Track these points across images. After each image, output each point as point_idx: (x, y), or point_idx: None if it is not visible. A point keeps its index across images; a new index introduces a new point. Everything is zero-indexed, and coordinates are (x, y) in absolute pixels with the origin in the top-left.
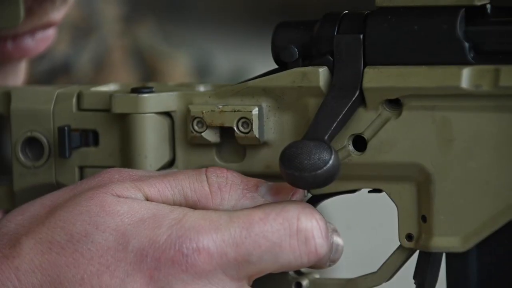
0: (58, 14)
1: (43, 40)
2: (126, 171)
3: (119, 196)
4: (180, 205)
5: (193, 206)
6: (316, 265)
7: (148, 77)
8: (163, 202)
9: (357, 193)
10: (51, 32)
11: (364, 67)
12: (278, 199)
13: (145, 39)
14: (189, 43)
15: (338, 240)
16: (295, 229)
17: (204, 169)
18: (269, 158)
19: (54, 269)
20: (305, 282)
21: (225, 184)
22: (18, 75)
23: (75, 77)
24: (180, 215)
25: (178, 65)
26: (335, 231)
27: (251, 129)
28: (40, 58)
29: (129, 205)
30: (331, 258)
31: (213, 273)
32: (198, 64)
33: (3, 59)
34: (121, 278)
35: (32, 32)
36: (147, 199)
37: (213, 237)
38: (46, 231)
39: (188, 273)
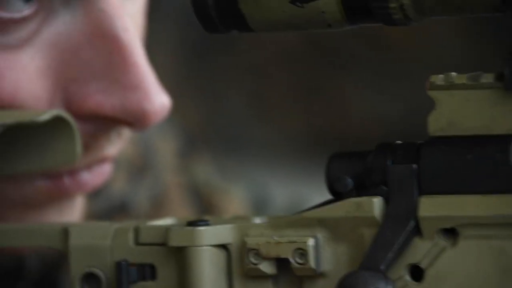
0: (113, 148)
1: (100, 174)
2: None
3: None
4: None
5: None
6: None
7: (204, 212)
8: None
9: None
10: (107, 167)
11: (419, 197)
12: None
13: (201, 174)
14: (245, 176)
15: None
16: None
17: None
18: None
19: None
20: None
21: None
22: (74, 210)
23: (132, 215)
24: None
25: (234, 199)
26: None
27: (307, 260)
28: (96, 195)
29: None
30: None
31: None
32: (255, 198)
33: (59, 194)
34: None
35: (89, 166)
36: None
37: None
38: None
39: None
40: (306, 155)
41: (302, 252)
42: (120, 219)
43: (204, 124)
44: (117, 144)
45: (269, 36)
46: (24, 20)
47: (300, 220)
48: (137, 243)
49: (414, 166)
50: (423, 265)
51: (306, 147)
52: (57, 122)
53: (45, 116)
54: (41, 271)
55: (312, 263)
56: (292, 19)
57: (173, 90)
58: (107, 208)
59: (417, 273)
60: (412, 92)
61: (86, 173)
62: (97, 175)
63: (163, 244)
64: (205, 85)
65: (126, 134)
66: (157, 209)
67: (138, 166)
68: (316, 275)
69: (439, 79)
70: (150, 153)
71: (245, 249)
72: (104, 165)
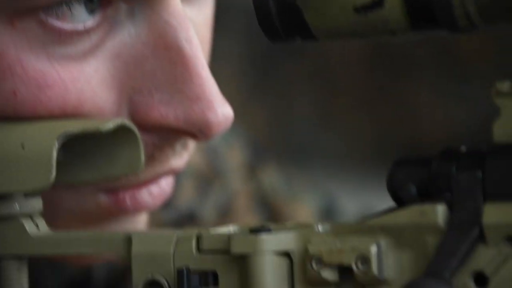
0: (180, 160)
1: (159, 196)
2: None
3: None
4: None
5: None
6: None
7: (272, 221)
8: None
9: None
10: (167, 186)
11: (483, 204)
12: None
13: (269, 184)
14: (312, 186)
15: None
16: None
17: None
18: None
19: None
20: None
21: None
22: (137, 225)
23: (200, 224)
24: None
25: (302, 209)
26: None
27: (370, 267)
28: (165, 207)
29: None
30: None
31: None
32: (323, 207)
33: (120, 212)
34: None
35: (153, 181)
36: None
37: None
38: None
39: None
40: (374, 163)
41: (364, 259)
42: (186, 228)
43: (271, 133)
44: (183, 156)
45: (335, 43)
46: (87, 31)
47: (363, 227)
48: (200, 250)
49: (479, 173)
50: (487, 272)
51: (374, 155)
52: (121, 131)
53: (109, 125)
54: (108, 282)
55: (375, 270)
56: (356, 27)
57: (240, 100)
58: (175, 218)
59: (481, 280)
60: (482, 95)
61: (147, 194)
62: (157, 196)
63: (225, 252)
64: (271, 93)
65: (191, 145)
66: (224, 218)
67: (206, 176)
68: (379, 282)
69: (505, 86)
70: (218, 162)
71: (307, 256)
72: (165, 185)
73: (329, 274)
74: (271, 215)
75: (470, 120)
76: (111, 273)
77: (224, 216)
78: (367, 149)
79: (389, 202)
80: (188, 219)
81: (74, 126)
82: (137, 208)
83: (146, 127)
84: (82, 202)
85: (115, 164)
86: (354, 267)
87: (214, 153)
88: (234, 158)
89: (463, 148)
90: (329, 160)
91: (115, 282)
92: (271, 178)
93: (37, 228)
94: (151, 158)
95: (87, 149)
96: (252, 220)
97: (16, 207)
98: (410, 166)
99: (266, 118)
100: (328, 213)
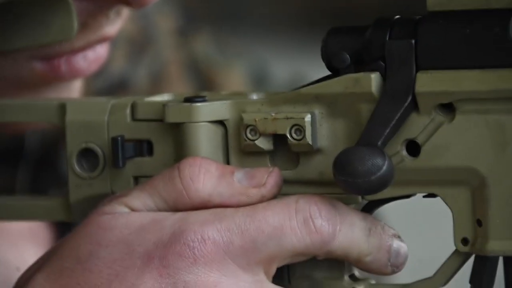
0: (112, 28)
1: (95, 61)
2: (115, 194)
3: (110, 214)
4: (164, 209)
5: (174, 205)
6: (372, 269)
7: (204, 88)
8: (148, 211)
9: (411, 198)
10: (103, 52)
11: (416, 72)
12: (255, 182)
13: (201, 50)
14: (244, 52)
15: (399, 244)
16: (293, 211)
17: (177, 164)
18: (322, 165)
19: None
20: None
21: (198, 174)
22: (72, 91)
23: (132, 92)
24: (182, 215)
25: (234, 76)
26: (395, 236)
27: (304, 136)
28: (96, 75)
29: (125, 217)
30: (392, 262)
31: (223, 263)
32: (254, 74)
33: (55, 79)
34: (132, 282)
35: (87, 47)
36: None
37: (218, 227)
38: (55, 262)
39: (198, 265)
40: (306, 31)
41: (299, 128)
42: (120, 96)
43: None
44: (116, 23)
45: None
46: None
47: (297, 96)
48: (134, 119)
49: (412, 41)
50: (419, 140)
51: (307, 23)
52: None
53: None
54: (40, 150)
55: (309, 139)
56: None
57: None
58: (107, 86)
59: (413, 148)
60: None
61: (82, 60)
62: (92, 62)
63: (160, 120)
64: None
65: (125, 13)
66: (157, 86)
67: (138, 43)
68: (313, 151)
69: None
70: (150, 30)
71: (242, 125)
72: (100, 50)
73: (263, 143)
74: (204, 83)
75: None
76: (44, 141)
77: (156, 84)
78: (301, 17)
79: (320, 68)
80: (119, 87)
81: None
82: (72, 74)
83: None
84: (17, 69)
85: (47, 31)
86: (288, 136)
87: (146, 21)
88: (167, 25)
89: (397, 17)
90: (261, 26)
91: (48, 150)
92: (204, 46)
93: None
94: (84, 25)
95: (19, 16)
96: (185, 88)
97: None
98: (344, 34)
99: None
100: (260, 81)
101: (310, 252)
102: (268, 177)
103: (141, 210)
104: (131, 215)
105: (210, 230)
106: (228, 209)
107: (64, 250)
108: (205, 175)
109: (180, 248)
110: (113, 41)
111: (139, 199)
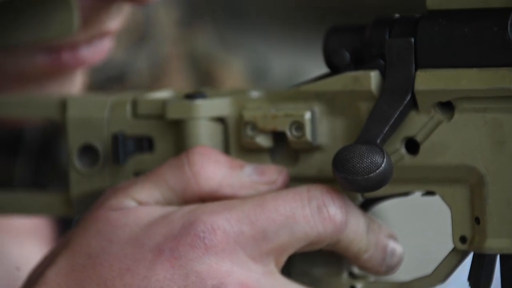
0: (114, 23)
1: (100, 50)
2: (119, 185)
3: (119, 210)
4: (171, 198)
5: (182, 194)
6: (368, 267)
7: (204, 82)
8: (155, 203)
9: (410, 196)
10: (107, 42)
11: (415, 70)
12: (265, 179)
13: (201, 44)
14: (244, 47)
15: (394, 245)
16: (306, 200)
17: (183, 153)
18: (322, 162)
19: (79, 283)
20: (359, 286)
21: (208, 162)
22: (74, 84)
23: (131, 85)
24: (190, 208)
25: (234, 70)
26: (391, 236)
27: (304, 133)
28: (97, 68)
29: (134, 214)
30: (387, 262)
31: (234, 253)
32: (254, 69)
33: (59, 69)
34: (143, 275)
35: (89, 41)
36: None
37: (227, 217)
38: (66, 258)
39: (209, 254)
40: (307, 27)
41: (298, 125)
42: (119, 89)
43: None
44: (118, 19)
45: None
46: None
47: (297, 93)
48: (135, 115)
49: (412, 39)
50: (418, 138)
51: (307, 19)
52: None
53: None
54: (40, 144)
55: (308, 136)
56: None
57: None
58: (106, 78)
59: (412, 146)
60: None
61: (86, 50)
62: (97, 51)
63: (160, 117)
64: None
65: (126, 9)
66: (156, 80)
67: (137, 36)
68: (313, 148)
69: None
70: (150, 23)
71: (242, 122)
72: (105, 41)
73: (263, 140)
74: (203, 77)
75: None
76: (43, 132)
77: (156, 78)
78: (301, 13)
79: (318, 64)
80: (119, 80)
81: None
82: (76, 62)
83: None
84: (19, 63)
85: (49, 27)
86: (288, 133)
87: (146, 13)
88: (167, 18)
89: (397, 16)
90: (262, 22)
91: (47, 142)
92: (204, 39)
93: None
94: (86, 20)
95: (21, 12)
96: (184, 82)
97: None
98: (344, 32)
99: None
100: (259, 76)
101: (322, 240)
102: (279, 175)
103: (148, 203)
104: (140, 211)
105: (219, 220)
106: (236, 200)
107: (75, 246)
108: (215, 164)
109: (190, 239)
110: (114, 35)
111: (145, 190)
